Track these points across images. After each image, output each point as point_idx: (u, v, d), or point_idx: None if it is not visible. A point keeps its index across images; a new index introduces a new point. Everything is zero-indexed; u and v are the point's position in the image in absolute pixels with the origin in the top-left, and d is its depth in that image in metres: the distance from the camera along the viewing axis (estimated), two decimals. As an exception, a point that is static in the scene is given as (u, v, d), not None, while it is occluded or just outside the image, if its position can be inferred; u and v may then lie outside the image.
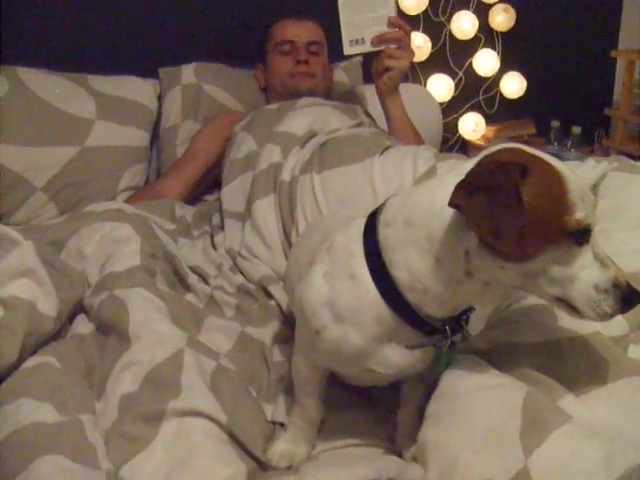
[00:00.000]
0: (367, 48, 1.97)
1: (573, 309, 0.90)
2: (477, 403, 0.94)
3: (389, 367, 1.02)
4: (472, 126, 3.01)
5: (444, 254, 0.92)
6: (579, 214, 0.85)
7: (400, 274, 0.95)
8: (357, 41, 1.96)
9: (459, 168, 0.92)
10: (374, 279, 0.97)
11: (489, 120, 3.04)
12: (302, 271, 1.10)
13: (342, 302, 0.98)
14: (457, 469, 0.87)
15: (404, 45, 1.97)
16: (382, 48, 1.97)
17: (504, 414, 0.91)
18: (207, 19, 2.43)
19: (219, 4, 2.44)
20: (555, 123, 3.00)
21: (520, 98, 3.06)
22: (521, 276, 0.89)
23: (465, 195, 0.85)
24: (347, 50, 1.98)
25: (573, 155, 2.75)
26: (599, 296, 0.87)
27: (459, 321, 1.01)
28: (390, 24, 1.93)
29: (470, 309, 1.02)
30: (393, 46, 1.96)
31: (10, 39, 2.19)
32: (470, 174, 0.89)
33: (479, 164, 0.90)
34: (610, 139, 3.15)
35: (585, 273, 0.88)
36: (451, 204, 0.86)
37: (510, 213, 0.83)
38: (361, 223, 1.02)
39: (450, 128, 3.01)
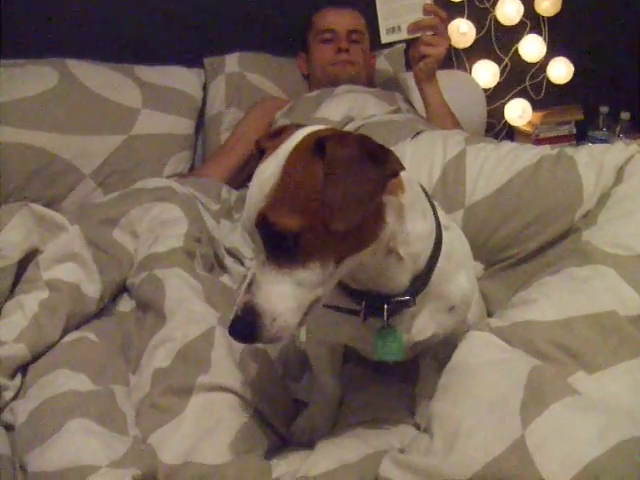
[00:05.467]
0: (403, 36, 1.99)
1: None
2: (483, 376, 0.97)
3: (348, 338, 1.12)
4: (518, 112, 2.97)
5: None
6: None
7: None
8: (394, 29, 1.98)
9: None
10: None
11: (536, 106, 3.00)
12: None
13: None
14: (459, 438, 0.90)
15: (440, 32, 1.97)
16: (418, 35, 1.98)
17: (508, 386, 0.93)
18: (250, 9, 2.46)
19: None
20: (604, 109, 2.94)
21: (568, 83, 3.01)
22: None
23: None
24: (384, 38, 2.00)
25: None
26: None
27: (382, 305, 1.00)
28: (425, 11, 1.94)
29: (394, 298, 1.00)
30: (429, 33, 1.97)
31: (60, 32, 2.27)
32: None
33: None
34: (661, 124, 3.08)
35: None
36: None
37: None
38: None
39: (496, 114, 2.97)
